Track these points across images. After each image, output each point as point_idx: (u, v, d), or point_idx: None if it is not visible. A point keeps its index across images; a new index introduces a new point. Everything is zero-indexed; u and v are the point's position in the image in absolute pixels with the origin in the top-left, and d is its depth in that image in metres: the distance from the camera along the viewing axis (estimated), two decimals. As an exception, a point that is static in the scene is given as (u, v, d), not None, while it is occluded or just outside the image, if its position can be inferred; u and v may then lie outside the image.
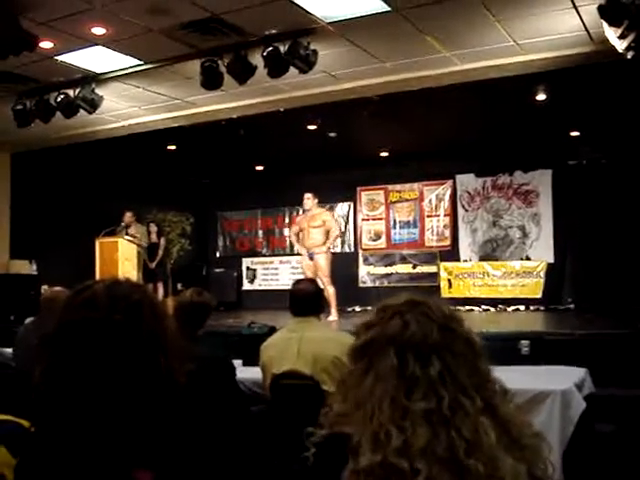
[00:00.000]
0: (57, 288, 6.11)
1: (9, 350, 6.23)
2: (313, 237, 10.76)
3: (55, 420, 1.39)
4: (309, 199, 11.03)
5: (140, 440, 1.39)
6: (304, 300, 4.43)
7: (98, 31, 7.29)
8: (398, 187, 14.37)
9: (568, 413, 4.36)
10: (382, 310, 1.50)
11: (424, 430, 1.30)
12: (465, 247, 13.61)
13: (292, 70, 7.49)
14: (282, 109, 9.74)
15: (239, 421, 4.11)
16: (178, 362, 1.50)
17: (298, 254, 11.77)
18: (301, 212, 14.55)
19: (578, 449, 4.38)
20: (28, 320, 6.45)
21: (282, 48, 7.37)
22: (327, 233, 10.82)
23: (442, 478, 1.29)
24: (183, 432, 1.50)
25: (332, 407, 1.48)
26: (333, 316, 10.55)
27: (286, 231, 15.48)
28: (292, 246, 15.33)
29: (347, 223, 14.78)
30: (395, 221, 14.42)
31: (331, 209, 13.78)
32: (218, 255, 16.48)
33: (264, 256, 15.93)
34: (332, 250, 11.14)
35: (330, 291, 10.65)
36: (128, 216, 12.09)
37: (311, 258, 10.71)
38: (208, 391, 3.74)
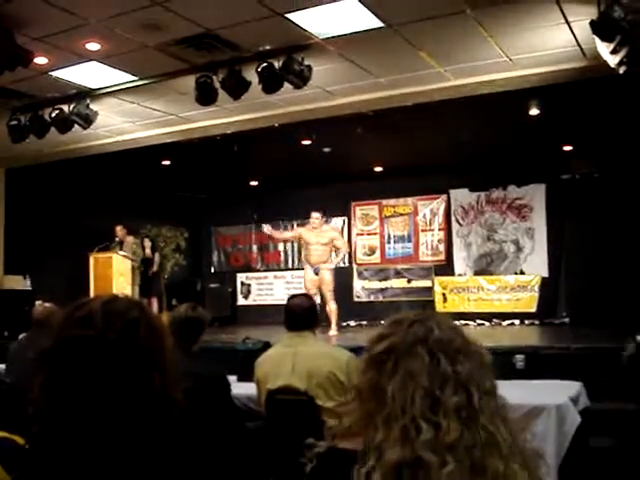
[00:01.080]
0: (47, 304, 6.10)
1: (2, 366, 6.21)
2: (319, 253, 10.74)
3: (51, 435, 1.39)
4: (317, 219, 10.96)
5: (137, 456, 1.39)
6: (299, 315, 4.42)
7: (93, 47, 7.31)
8: (392, 202, 14.38)
9: (563, 428, 4.35)
10: (396, 321, 1.55)
11: (455, 425, 1.35)
12: (460, 261, 13.61)
13: (286, 85, 7.52)
14: (277, 124, 9.76)
15: (235, 437, 4.10)
16: (175, 379, 1.49)
17: (300, 269, 11.78)
18: (295, 227, 14.61)
19: (574, 463, 4.37)
20: (22, 336, 6.43)
21: (276, 64, 7.40)
22: (333, 249, 10.82)
23: (464, 474, 1.33)
24: (180, 448, 1.50)
25: (340, 420, 1.51)
26: (333, 331, 10.54)
27: (280, 246, 15.48)
28: (287, 261, 15.36)
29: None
30: (389, 236, 14.42)
31: (326, 223, 13.77)
32: (212, 270, 16.44)
33: (258, 271, 15.90)
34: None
35: (332, 307, 10.67)
36: (119, 230, 12.08)
37: (316, 273, 10.70)
38: (204, 407, 3.72)
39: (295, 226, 14.55)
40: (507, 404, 1.50)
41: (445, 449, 1.33)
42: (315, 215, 11.02)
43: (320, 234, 10.84)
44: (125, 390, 1.40)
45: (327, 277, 10.68)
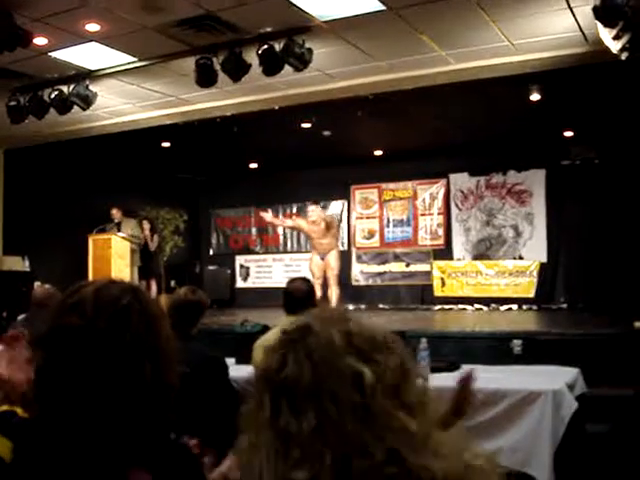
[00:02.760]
0: (47, 286, 6.10)
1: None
2: (325, 245, 10.77)
3: (48, 419, 1.40)
4: (314, 211, 11.00)
5: (134, 441, 1.40)
6: (298, 299, 4.44)
7: (92, 28, 7.27)
8: (392, 186, 14.38)
9: (560, 413, 4.38)
10: (281, 334, 1.15)
11: None
12: (458, 246, 13.63)
13: (287, 68, 7.50)
14: (277, 107, 9.73)
15: (232, 420, 4.11)
16: (170, 365, 1.49)
17: (299, 251, 11.80)
18: (295, 210, 14.60)
19: (569, 449, 4.40)
20: (21, 317, 6.44)
21: (277, 46, 7.37)
22: (332, 231, 10.81)
23: None
24: (178, 431, 1.50)
25: None
26: None
27: (280, 229, 15.48)
28: (285, 244, 15.37)
29: (341, 221, 14.75)
30: (389, 219, 14.43)
31: (325, 207, 13.78)
32: (211, 252, 16.46)
33: (257, 254, 15.92)
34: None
35: (336, 291, 10.72)
36: (115, 212, 12.08)
37: (322, 258, 10.75)
38: (201, 389, 3.74)
39: (294, 209, 14.58)
40: (427, 435, 1.06)
41: None
42: (311, 208, 11.11)
43: (319, 227, 10.78)
44: (114, 378, 1.39)
45: (333, 262, 10.73)
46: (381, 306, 13.48)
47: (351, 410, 1.02)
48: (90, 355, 1.39)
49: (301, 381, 1.05)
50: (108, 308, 1.44)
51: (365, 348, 1.08)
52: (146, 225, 13.09)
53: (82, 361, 1.38)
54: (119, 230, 11.74)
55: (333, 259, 10.73)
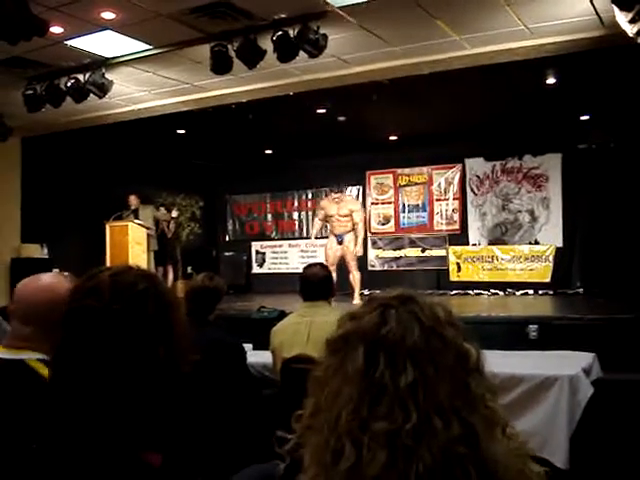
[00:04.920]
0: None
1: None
2: (343, 224, 10.88)
3: (62, 402, 1.44)
4: (338, 195, 11.55)
5: (145, 424, 1.43)
6: (315, 285, 4.46)
7: (108, 16, 7.30)
8: (407, 171, 14.35)
9: (576, 398, 4.39)
10: (369, 301, 1.22)
11: (382, 455, 1.03)
12: (474, 231, 13.60)
13: (302, 54, 7.48)
14: (292, 93, 9.73)
15: (249, 404, 4.16)
16: (183, 351, 1.52)
17: (315, 237, 11.86)
18: (310, 196, 14.63)
19: (586, 434, 4.41)
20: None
21: (292, 32, 7.36)
22: (353, 221, 10.92)
23: None
24: (191, 415, 1.53)
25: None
26: (356, 300, 10.63)
27: (295, 215, 15.54)
28: (301, 229, 15.41)
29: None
30: (404, 205, 14.41)
31: (340, 192, 13.79)
32: (227, 239, 16.53)
33: (273, 240, 15.96)
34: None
35: (356, 275, 10.80)
36: (133, 199, 12.13)
37: (340, 242, 10.80)
38: (219, 375, 3.78)
39: (310, 195, 14.60)
40: (506, 423, 1.14)
41: None
42: (335, 195, 11.46)
43: (340, 205, 10.96)
44: (129, 361, 1.43)
45: (351, 245, 10.78)
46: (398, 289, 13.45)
47: (449, 378, 1.09)
48: (106, 337, 1.42)
49: (406, 340, 1.10)
50: (124, 292, 1.47)
51: (462, 328, 1.17)
52: (163, 211, 13.17)
53: (98, 342, 1.42)
54: (136, 217, 11.80)
55: (351, 243, 10.79)
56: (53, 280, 2.29)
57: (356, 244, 10.84)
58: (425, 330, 1.12)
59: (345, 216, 10.88)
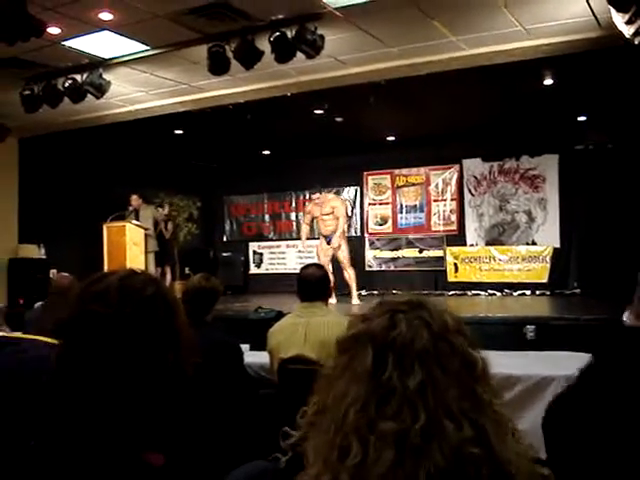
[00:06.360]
0: (65, 274, 6.16)
1: (18, 333, 6.27)
2: (328, 224, 10.97)
3: (66, 404, 1.43)
4: (318, 198, 11.52)
5: (149, 425, 1.43)
6: (312, 285, 4.45)
7: (105, 16, 7.29)
8: (404, 171, 14.37)
9: (572, 398, 4.39)
10: (379, 305, 1.24)
11: (390, 453, 1.05)
12: (471, 232, 13.62)
13: (299, 55, 7.49)
14: (289, 94, 9.73)
15: (246, 404, 4.16)
16: (188, 355, 1.52)
17: (312, 238, 11.95)
18: (307, 196, 14.64)
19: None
20: (38, 304, 6.50)
21: (289, 33, 7.37)
22: (335, 213, 11.03)
23: None
24: (192, 416, 1.53)
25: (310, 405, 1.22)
26: (355, 299, 10.65)
27: (292, 215, 15.56)
28: (299, 230, 15.41)
29: (354, 207, 14.80)
30: (401, 205, 14.42)
31: (337, 193, 13.82)
32: (225, 239, 16.53)
33: (271, 240, 15.97)
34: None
35: (351, 273, 10.88)
36: (134, 199, 12.11)
37: (329, 242, 10.85)
38: (217, 375, 3.79)
39: (307, 196, 14.60)
40: (514, 429, 1.16)
41: None
42: (315, 196, 11.58)
43: (323, 205, 11.09)
44: (139, 365, 1.42)
45: (338, 243, 10.86)
46: (394, 292, 13.46)
47: (457, 383, 1.11)
48: (116, 343, 1.41)
49: (415, 343, 1.13)
50: (133, 298, 1.46)
51: (469, 336, 1.20)
52: (161, 212, 13.16)
53: (107, 348, 1.41)
54: (137, 217, 11.79)
55: (338, 241, 10.86)
56: None
57: (341, 239, 11.00)
58: (434, 335, 1.15)
59: (328, 214, 11.02)
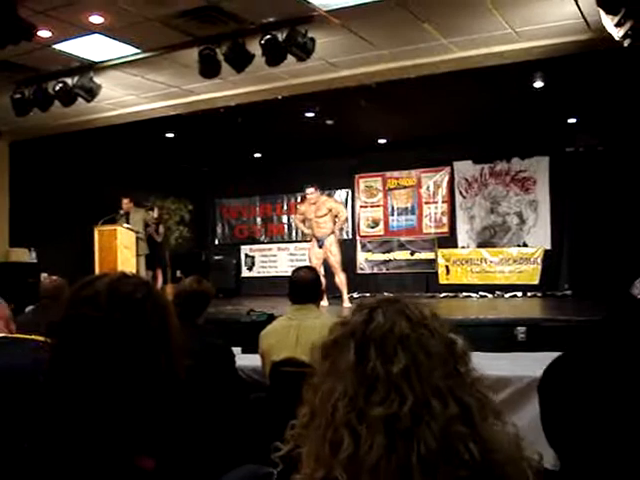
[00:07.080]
0: (54, 277, 6.14)
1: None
2: (322, 226, 10.85)
3: (58, 407, 1.43)
4: (312, 193, 11.12)
5: (140, 429, 1.43)
6: (303, 288, 4.45)
7: (96, 20, 7.28)
8: (396, 174, 14.39)
9: (564, 399, 4.39)
10: (358, 306, 1.25)
11: (381, 439, 1.06)
12: (463, 234, 13.65)
13: (290, 58, 7.50)
14: (280, 97, 9.74)
15: (238, 407, 4.16)
16: (179, 358, 1.52)
17: (304, 240, 11.89)
18: (299, 199, 14.65)
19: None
20: (29, 308, 6.48)
21: (280, 36, 7.37)
22: (334, 218, 10.92)
23: None
24: (183, 420, 1.53)
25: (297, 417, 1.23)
26: (346, 303, 10.60)
27: (284, 218, 15.55)
28: (290, 233, 15.41)
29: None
30: (393, 208, 14.44)
31: (329, 196, 13.81)
32: (217, 242, 16.52)
33: (262, 243, 15.97)
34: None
35: (342, 277, 10.81)
36: (126, 202, 12.09)
37: (321, 246, 10.80)
38: (208, 378, 3.78)
39: (299, 199, 14.58)
40: (499, 412, 1.17)
41: (366, 469, 1.06)
42: (309, 190, 11.23)
43: (317, 207, 10.96)
44: (131, 369, 1.42)
45: (332, 248, 10.79)
46: (386, 294, 13.46)
47: (440, 363, 1.13)
48: (106, 346, 1.41)
49: (394, 330, 1.15)
50: (123, 301, 1.46)
51: (447, 323, 1.22)
52: (152, 215, 13.13)
53: (97, 352, 1.40)
54: (127, 221, 11.77)
55: (332, 245, 10.80)
56: None
57: (339, 224, 11.05)
58: (412, 322, 1.17)
59: (323, 216, 10.89)
